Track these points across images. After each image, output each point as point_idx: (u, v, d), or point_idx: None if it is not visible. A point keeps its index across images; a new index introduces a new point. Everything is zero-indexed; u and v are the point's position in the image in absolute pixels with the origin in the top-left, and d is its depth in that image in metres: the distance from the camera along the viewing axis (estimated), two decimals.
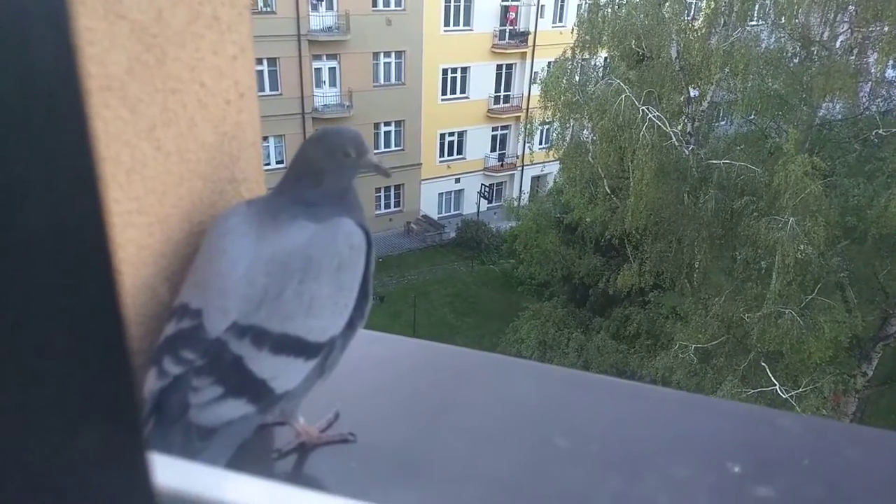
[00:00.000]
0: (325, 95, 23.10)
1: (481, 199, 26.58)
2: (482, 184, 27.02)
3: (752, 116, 15.12)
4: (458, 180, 27.02)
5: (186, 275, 0.76)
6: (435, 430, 0.88)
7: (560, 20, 25.76)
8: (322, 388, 0.81)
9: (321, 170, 0.77)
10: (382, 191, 24.74)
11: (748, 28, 14.16)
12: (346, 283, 0.76)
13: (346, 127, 0.85)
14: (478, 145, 27.01)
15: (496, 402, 0.94)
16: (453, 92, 25.95)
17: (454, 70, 25.50)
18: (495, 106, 26.72)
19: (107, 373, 0.27)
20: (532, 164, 25.21)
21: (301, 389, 0.77)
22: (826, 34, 14.53)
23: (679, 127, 14.68)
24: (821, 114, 14.80)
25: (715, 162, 13.80)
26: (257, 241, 0.74)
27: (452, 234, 24.80)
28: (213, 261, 0.74)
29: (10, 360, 0.23)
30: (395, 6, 23.29)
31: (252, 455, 0.83)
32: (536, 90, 17.83)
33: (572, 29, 15.97)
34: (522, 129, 22.08)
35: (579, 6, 17.69)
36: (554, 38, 22.17)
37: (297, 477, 0.81)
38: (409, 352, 1.06)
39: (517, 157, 27.11)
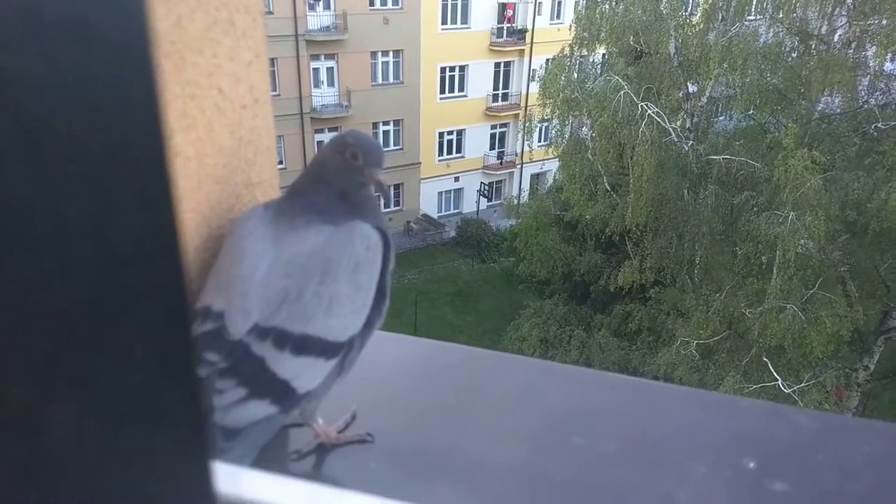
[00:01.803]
0: (324, 95, 23.10)
1: (481, 197, 26.59)
2: (481, 182, 27.03)
3: (751, 111, 15.12)
4: (457, 179, 27.02)
5: (207, 278, 0.77)
6: (451, 430, 0.89)
7: (558, 17, 25.76)
8: (339, 389, 0.81)
9: (329, 168, 0.79)
10: None
11: (746, 23, 14.16)
12: (363, 283, 0.77)
13: (368, 136, 0.85)
14: (477, 143, 27.00)
15: (512, 401, 0.94)
16: (451, 90, 25.94)
17: (452, 68, 25.49)
18: (494, 104, 26.72)
19: (178, 382, 0.28)
20: (531, 162, 25.21)
21: (321, 389, 0.78)
22: (824, 28, 14.52)
23: (678, 123, 14.68)
24: (820, 108, 14.80)
25: (714, 157, 13.81)
26: (276, 243, 0.75)
27: (452, 233, 24.80)
28: (234, 264, 0.75)
29: (99, 373, 0.25)
30: (393, 5, 23.28)
31: (272, 456, 0.84)
32: (535, 88, 17.81)
33: (570, 26, 15.96)
34: (521, 127, 22.08)
35: (577, 3, 17.68)
36: (552, 36, 22.17)
37: (317, 477, 0.82)
38: (423, 352, 1.07)
39: (516, 155, 27.12)
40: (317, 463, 0.83)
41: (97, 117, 0.23)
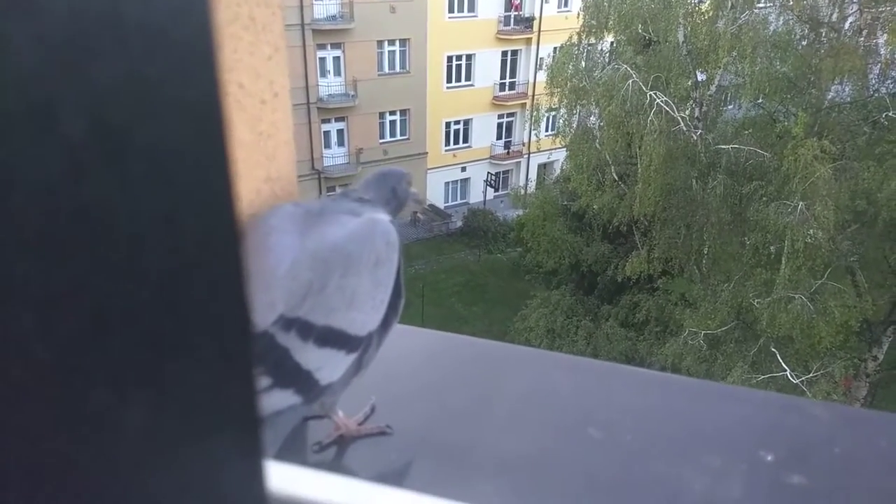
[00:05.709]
0: (330, 85, 23.03)
1: (488, 187, 26.53)
2: (488, 172, 26.94)
3: (761, 100, 14.99)
4: (464, 169, 26.95)
5: None
6: (469, 422, 0.90)
7: (565, 5, 25.55)
8: (358, 381, 0.83)
9: (400, 194, 0.88)
10: None
11: (756, 11, 14.01)
12: (382, 278, 0.78)
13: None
14: (484, 133, 26.90)
15: (529, 393, 0.95)
16: (458, 79, 25.81)
17: (459, 57, 25.35)
18: (501, 93, 26.58)
19: (235, 379, 0.28)
20: (538, 152, 25.14)
21: (341, 383, 0.79)
22: (835, 15, 14.36)
23: (687, 112, 14.57)
24: (830, 97, 14.66)
25: (723, 147, 13.71)
26: (301, 237, 0.77)
27: (459, 224, 24.76)
28: (260, 257, 0.76)
29: (167, 371, 0.26)
30: None
31: (293, 447, 0.85)
32: (542, 76, 17.69)
33: (578, 14, 15.84)
34: (528, 117, 21.99)
35: None
36: (559, 24, 22.01)
37: (338, 468, 0.83)
38: (440, 345, 1.07)
39: (523, 145, 27.00)
40: (337, 455, 0.84)
41: (168, 124, 0.24)
